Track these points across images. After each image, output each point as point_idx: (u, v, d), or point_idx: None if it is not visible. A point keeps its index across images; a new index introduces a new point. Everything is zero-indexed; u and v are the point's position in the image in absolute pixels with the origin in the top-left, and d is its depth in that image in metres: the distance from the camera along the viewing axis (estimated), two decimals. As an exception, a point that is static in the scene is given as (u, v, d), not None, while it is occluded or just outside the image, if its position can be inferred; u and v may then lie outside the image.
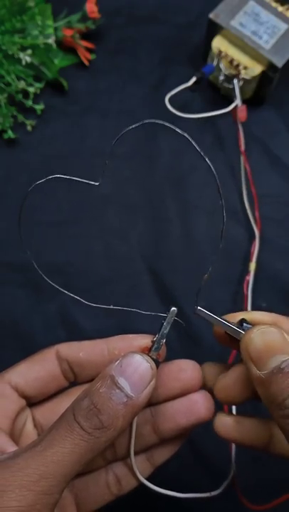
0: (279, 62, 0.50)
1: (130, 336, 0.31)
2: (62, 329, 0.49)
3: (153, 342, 0.29)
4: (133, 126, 0.28)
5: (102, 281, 0.50)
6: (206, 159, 0.26)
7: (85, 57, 0.56)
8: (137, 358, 0.27)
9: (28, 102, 0.53)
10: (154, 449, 0.33)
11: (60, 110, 0.55)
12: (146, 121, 0.28)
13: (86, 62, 0.56)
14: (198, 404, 0.31)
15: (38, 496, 0.23)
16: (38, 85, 0.54)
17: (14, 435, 0.30)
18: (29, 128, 0.54)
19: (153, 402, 0.32)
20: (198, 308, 0.29)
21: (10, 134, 0.53)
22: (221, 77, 0.52)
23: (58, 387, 0.32)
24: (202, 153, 0.26)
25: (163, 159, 0.54)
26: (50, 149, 0.54)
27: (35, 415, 0.32)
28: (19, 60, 0.52)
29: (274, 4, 0.52)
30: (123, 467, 0.33)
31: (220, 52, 0.51)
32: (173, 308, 0.29)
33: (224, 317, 0.29)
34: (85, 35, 0.56)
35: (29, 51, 0.52)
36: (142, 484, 0.33)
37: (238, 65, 0.51)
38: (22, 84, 0.52)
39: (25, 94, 0.53)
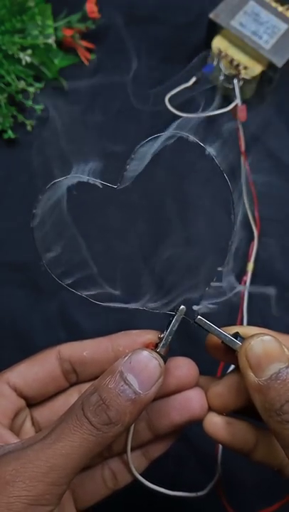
0: (279, 62, 0.50)
1: (133, 331, 0.31)
2: (62, 329, 0.49)
3: (160, 339, 0.30)
4: (159, 134, 0.28)
5: (102, 281, 0.50)
6: (225, 175, 0.26)
7: (85, 57, 0.56)
8: (146, 355, 0.27)
9: (28, 102, 0.53)
10: (149, 444, 0.33)
11: (60, 110, 0.55)
12: (170, 132, 0.28)
13: (86, 62, 0.56)
14: (193, 402, 0.31)
15: (48, 487, 0.24)
16: (38, 85, 0.54)
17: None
18: (29, 128, 0.54)
19: None
20: (199, 317, 0.30)
21: (10, 134, 0.53)
22: (221, 77, 0.52)
23: (58, 388, 0.32)
24: (221, 169, 0.27)
25: (163, 159, 0.54)
26: (50, 149, 0.54)
27: (34, 415, 0.32)
28: (19, 60, 0.52)
29: (274, 4, 0.52)
30: (119, 463, 0.33)
31: (220, 52, 0.51)
32: (182, 307, 0.30)
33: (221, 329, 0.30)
34: (85, 35, 0.56)
35: (29, 51, 0.52)
36: (137, 479, 0.33)
37: (238, 65, 0.51)
38: (22, 84, 0.52)
39: (26, 94, 0.53)
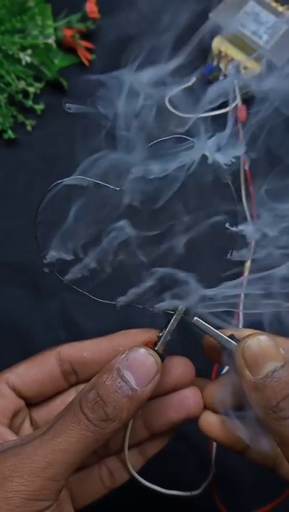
0: (279, 62, 0.50)
1: (132, 331, 0.32)
2: (62, 329, 0.49)
3: (159, 337, 0.30)
4: (163, 138, 0.28)
5: (103, 281, 0.50)
6: (227, 177, 0.27)
7: (85, 57, 0.56)
8: (143, 353, 0.28)
9: (28, 102, 0.53)
10: (145, 442, 0.34)
11: (60, 110, 0.55)
12: (176, 135, 0.28)
13: (86, 62, 0.56)
14: (189, 400, 0.32)
15: (46, 482, 0.25)
16: (38, 85, 0.54)
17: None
18: (29, 128, 0.54)
19: None
20: (196, 318, 0.30)
21: (10, 134, 0.53)
22: (221, 77, 0.52)
23: (57, 389, 0.32)
24: (227, 178, 0.27)
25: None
26: (50, 149, 0.54)
27: (33, 415, 0.33)
28: (19, 60, 0.52)
29: (274, 4, 0.52)
30: (116, 461, 0.34)
31: (220, 52, 0.51)
32: (180, 307, 0.30)
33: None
34: (85, 35, 0.56)
35: (29, 51, 0.52)
36: (133, 477, 0.34)
37: (238, 65, 0.51)
38: (22, 84, 0.52)
39: (26, 94, 0.54)
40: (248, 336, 0.28)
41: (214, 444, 0.40)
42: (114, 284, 0.50)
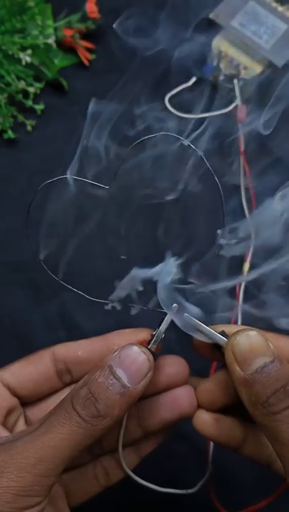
0: (279, 62, 0.50)
1: (127, 330, 0.32)
2: (62, 329, 0.49)
3: (152, 336, 0.30)
4: (149, 136, 0.28)
5: (103, 281, 0.50)
6: (216, 178, 0.27)
7: (85, 57, 0.56)
8: (135, 350, 0.28)
9: (28, 102, 0.53)
10: (139, 441, 0.34)
11: (60, 110, 0.55)
12: (162, 133, 0.28)
13: (86, 62, 0.56)
14: (182, 399, 0.32)
15: (36, 478, 0.25)
16: (38, 85, 0.54)
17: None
18: (29, 128, 0.54)
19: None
20: (186, 314, 0.30)
21: (10, 134, 0.53)
22: (221, 77, 0.52)
23: (52, 389, 0.32)
24: (213, 172, 0.27)
25: (163, 158, 0.54)
26: (50, 149, 0.54)
27: (28, 415, 0.33)
28: (19, 60, 0.52)
29: (274, 4, 0.52)
30: (110, 459, 0.33)
31: (220, 52, 0.51)
32: (174, 305, 0.30)
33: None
34: (85, 35, 0.56)
35: (29, 51, 0.52)
36: (129, 476, 0.33)
37: (238, 65, 0.51)
38: (22, 84, 0.52)
39: (25, 94, 0.54)
40: (238, 331, 0.28)
41: (211, 442, 0.40)
42: (112, 284, 0.50)
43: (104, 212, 0.52)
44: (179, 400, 0.32)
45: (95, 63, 0.57)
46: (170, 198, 0.53)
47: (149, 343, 0.30)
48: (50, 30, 0.54)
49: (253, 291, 0.49)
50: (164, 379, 0.32)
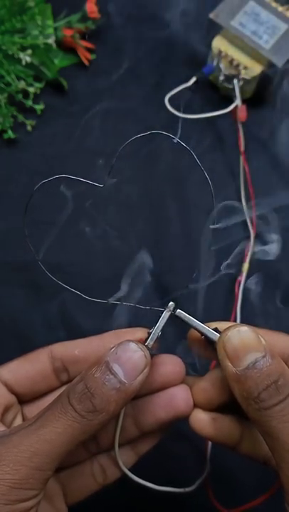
0: (279, 62, 0.50)
1: (124, 330, 0.32)
2: (62, 329, 0.49)
3: (149, 334, 0.30)
4: (141, 134, 0.29)
5: (102, 281, 0.50)
6: (205, 173, 0.27)
7: (85, 57, 0.56)
8: (132, 346, 0.28)
9: (28, 102, 0.53)
10: (136, 440, 0.34)
11: (60, 110, 0.55)
12: (154, 131, 0.29)
13: (86, 62, 0.56)
14: (178, 398, 0.32)
15: (31, 471, 0.25)
16: (38, 85, 0.54)
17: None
18: (29, 128, 0.54)
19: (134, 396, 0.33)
20: (178, 310, 0.30)
21: (10, 134, 0.53)
22: (221, 77, 0.52)
23: (49, 387, 0.33)
24: (202, 168, 0.29)
25: (163, 159, 0.54)
26: (50, 149, 0.54)
27: (25, 412, 0.33)
28: (19, 60, 0.52)
29: (274, 4, 0.52)
30: (108, 458, 0.34)
31: (220, 52, 0.51)
32: (171, 303, 0.30)
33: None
34: (85, 35, 0.56)
35: (29, 51, 0.52)
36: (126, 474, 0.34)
37: (238, 65, 0.51)
38: (22, 84, 0.52)
39: (26, 94, 0.54)
40: (229, 327, 0.28)
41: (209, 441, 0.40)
42: (110, 284, 0.50)
43: (100, 210, 0.52)
44: (175, 399, 0.32)
45: (95, 63, 0.57)
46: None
47: (146, 340, 0.30)
48: (50, 30, 0.54)
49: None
50: (159, 378, 0.32)
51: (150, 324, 0.31)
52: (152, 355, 0.29)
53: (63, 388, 0.33)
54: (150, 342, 0.30)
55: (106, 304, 0.32)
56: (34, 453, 0.25)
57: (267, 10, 0.52)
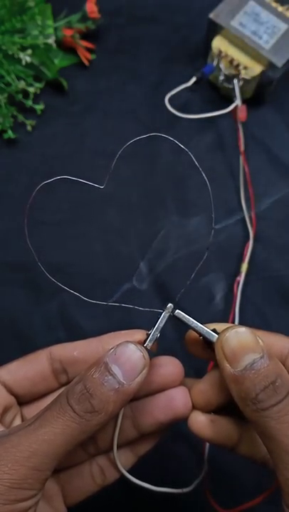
0: (279, 62, 0.50)
1: (122, 332, 0.32)
2: (62, 329, 0.49)
3: (148, 335, 0.30)
4: (142, 137, 0.29)
5: (102, 281, 0.50)
6: (203, 174, 0.27)
7: (85, 57, 0.56)
8: (131, 347, 0.28)
9: (28, 102, 0.53)
10: (135, 442, 0.34)
11: (60, 110, 0.55)
12: (154, 134, 0.29)
13: (86, 62, 0.56)
14: (176, 400, 0.32)
15: (30, 471, 0.25)
16: (38, 85, 0.54)
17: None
18: (29, 128, 0.54)
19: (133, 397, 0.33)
20: (177, 311, 0.30)
21: (10, 134, 0.53)
22: (221, 77, 0.52)
23: (48, 389, 0.33)
24: (201, 169, 0.28)
25: (163, 159, 0.54)
26: (50, 149, 0.54)
27: (24, 414, 0.33)
28: (19, 60, 0.52)
29: (274, 4, 0.52)
30: (107, 459, 0.34)
31: (220, 52, 0.51)
32: (169, 305, 0.30)
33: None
34: (85, 35, 0.56)
35: (29, 51, 0.52)
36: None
37: (238, 65, 0.51)
38: (22, 84, 0.52)
39: (25, 94, 0.54)
40: (227, 328, 0.28)
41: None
42: (110, 286, 0.50)
43: (100, 210, 0.52)
44: (174, 401, 0.32)
45: (95, 63, 0.57)
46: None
47: (144, 341, 0.30)
48: (50, 30, 0.54)
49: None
50: (158, 379, 0.32)
51: (149, 325, 0.31)
52: (151, 357, 0.29)
53: (62, 389, 0.33)
54: (149, 343, 0.30)
55: (106, 305, 0.32)
56: (33, 453, 0.25)
57: (267, 10, 0.52)
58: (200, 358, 0.32)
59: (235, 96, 0.51)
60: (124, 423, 0.33)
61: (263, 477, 0.33)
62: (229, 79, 0.51)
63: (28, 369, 0.32)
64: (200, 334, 0.30)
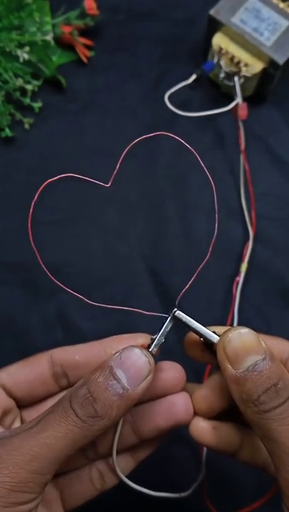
0: (280, 59, 0.50)
1: (124, 336, 0.31)
2: (60, 330, 0.48)
3: (152, 340, 0.30)
4: (147, 136, 0.29)
5: (102, 281, 0.49)
6: (208, 174, 0.26)
7: (84, 54, 0.55)
8: (136, 352, 0.27)
9: (26, 99, 0.53)
10: (135, 447, 0.33)
11: (59, 108, 0.55)
12: (159, 133, 0.28)
13: (85, 60, 0.55)
14: (178, 406, 0.31)
15: (30, 475, 0.25)
16: (36, 83, 0.53)
17: None
18: (27, 126, 0.53)
19: None
20: (178, 311, 0.30)
21: (7, 132, 0.52)
22: (222, 75, 0.51)
23: (48, 392, 0.32)
24: (206, 170, 0.29)
25: (163, 158, 0.53)
26: (49, 148, 0.54)
27: (24, 417, 0.32)
28: (17, 58, 0.52)
29: (275, 1, 0.52)
30: (106, 464, 0.33)
31: (220, 49, 0.51)
32: (175, 309, 0.30)
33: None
34: (84, 32, 0.55)
35: (27, 48, 0.51)
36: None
37: (238, 63, 0.50)
38: (20, 82, 0.52)
39: (23, 91, 0.53)
40: (230, 329, 0.27)
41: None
42: (109, 286, 0.49)
43: (100, 210, 0.51)
44: (175, 407, 0.31)
45: (93, 60, 0.56)
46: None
47: (149, 346, 0.29)
48: (49, 27, 0.53)
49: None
50: (159, 385, 0.31)
51: (148, 326, 0.31)
52: (156, 361, 0.28)
53: (62, 394, 0.32)
54: (154, 348, 0.29)
55: (105, 306, 0.31)
56: (34, 456, 0.25)
57: (268, 6, 0.51)
58: (198, 361, 0.32)
59: (235, 94, 0.50)
60: (124, 428, 0.32)
61: (261, 480, 0.33)
62: (230, 76, 0.51)
63: (28, 372, 0.32)
64: (200, 336, 0.29)
